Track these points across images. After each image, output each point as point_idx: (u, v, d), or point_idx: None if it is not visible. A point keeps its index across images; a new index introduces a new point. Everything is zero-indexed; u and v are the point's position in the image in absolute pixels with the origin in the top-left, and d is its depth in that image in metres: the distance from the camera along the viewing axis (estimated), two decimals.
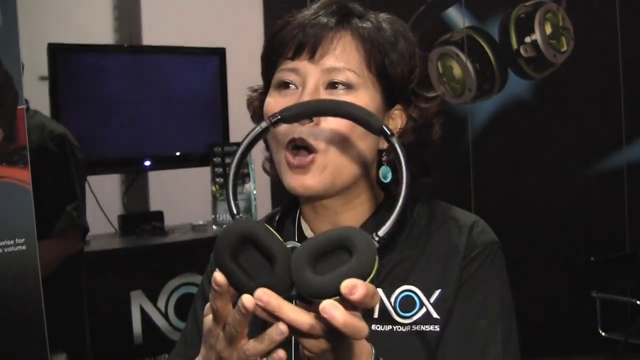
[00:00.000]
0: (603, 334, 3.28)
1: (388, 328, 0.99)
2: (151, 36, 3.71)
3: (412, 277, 1.01)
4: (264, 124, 0.89)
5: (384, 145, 1.03)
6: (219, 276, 0.77)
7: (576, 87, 3.97)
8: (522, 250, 3.84)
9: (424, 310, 1.00)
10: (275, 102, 1.00)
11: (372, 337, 0.80)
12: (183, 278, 3.06)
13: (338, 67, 0.98)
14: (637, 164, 3.91)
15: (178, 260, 3.08)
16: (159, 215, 3.37)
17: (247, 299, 0.74)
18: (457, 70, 4.04)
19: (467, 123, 4.02)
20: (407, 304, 1.00)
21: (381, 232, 0.80)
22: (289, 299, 0.77)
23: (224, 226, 0.74)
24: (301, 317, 0.74)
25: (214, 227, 3.26)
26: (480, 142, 4.03)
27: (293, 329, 0.75)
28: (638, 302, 3.16)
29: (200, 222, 3.35)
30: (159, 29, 3.74)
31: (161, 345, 2.99)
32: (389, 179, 1.03)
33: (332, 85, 0.99)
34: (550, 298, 3.89)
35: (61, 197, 2.37)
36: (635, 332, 3.16)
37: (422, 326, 0.99)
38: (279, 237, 0.79)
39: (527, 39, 4.02)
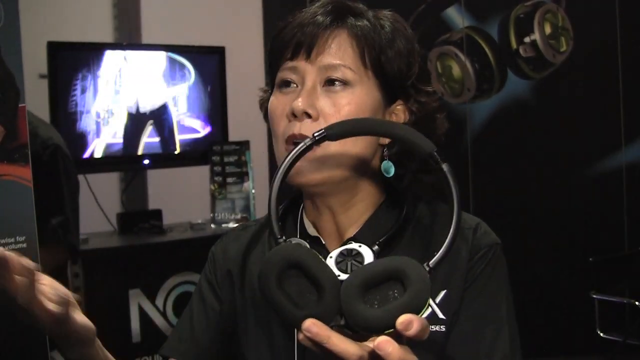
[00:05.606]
0: (602, 334, 3.28)
1: None
2: (150, 35, 3.71)
3: None
4: (308, 141, 0.89)
5: (385, 140, 1.04)
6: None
7: (575, 87, 3.97)
8: (521, 251, 3.85)
9: (429, 310, 1.00)
10: (277, 101, 1.03)
11: None
12: (181, 277, 3.05)
13: (334, 64, 1.00)
14: (636, 164, 3.91)
15: (177, 259, 3.07)
16: (158, 214, 3.37)
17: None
18: (456, 70, 4.04)
19: (466, 123, 4.02)
20: None
21: (432, 263, 0.80)
22: (335, 327, 0.76)
23: (271, 251, 0.73)
24: (350, 349, 0.74)
25: (213, 225, 3.26)
26: (479, 142, 4.03)
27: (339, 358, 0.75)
28: (637, 303, 3.15)
29: (199, 221, 3.35)
30: (158, 27, 3.74)
31: (159, 343, 2.95)
32: (391, 174, 1.03)
33: (330, 82, 1.01)
34: (549, 298, 3.89)
35: (47, 208, 2.21)
36: (634, 332, 3.16)
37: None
38: (327, 264, 0.78)
39: (527, 39, 4.02)
